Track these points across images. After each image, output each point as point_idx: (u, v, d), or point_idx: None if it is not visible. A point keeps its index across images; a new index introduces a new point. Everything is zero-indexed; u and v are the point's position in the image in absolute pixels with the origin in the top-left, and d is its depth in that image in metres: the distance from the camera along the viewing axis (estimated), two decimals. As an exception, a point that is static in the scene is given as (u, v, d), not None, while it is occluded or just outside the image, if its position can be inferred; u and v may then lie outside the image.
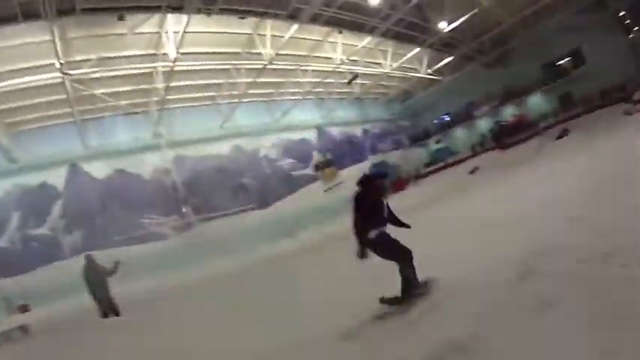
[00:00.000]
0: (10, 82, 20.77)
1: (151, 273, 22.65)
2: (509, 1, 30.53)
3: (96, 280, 10.97)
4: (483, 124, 44.13)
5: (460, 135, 47.12)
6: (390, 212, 6.65)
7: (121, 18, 18.45)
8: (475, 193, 19.86)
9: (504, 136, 37.24)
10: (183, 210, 28.65)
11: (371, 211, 6.27)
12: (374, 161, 39.87)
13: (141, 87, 26.87)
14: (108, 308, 11.08)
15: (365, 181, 6.59)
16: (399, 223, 6.77)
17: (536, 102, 40.97)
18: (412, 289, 6.17)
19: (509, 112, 41.65)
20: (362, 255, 6.20)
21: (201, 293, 15.48)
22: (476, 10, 28.03)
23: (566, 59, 38.32)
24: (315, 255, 18.32)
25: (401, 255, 6.19)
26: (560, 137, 27.62)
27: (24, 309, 20.32)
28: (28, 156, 25.43)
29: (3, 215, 24.40)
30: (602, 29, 34.31)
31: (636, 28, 33.96)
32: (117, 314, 11.12)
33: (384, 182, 7.12)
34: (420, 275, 6.26)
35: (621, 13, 34.71)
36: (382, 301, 6.20)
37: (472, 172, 31.79)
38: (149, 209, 27.96)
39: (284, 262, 19.35)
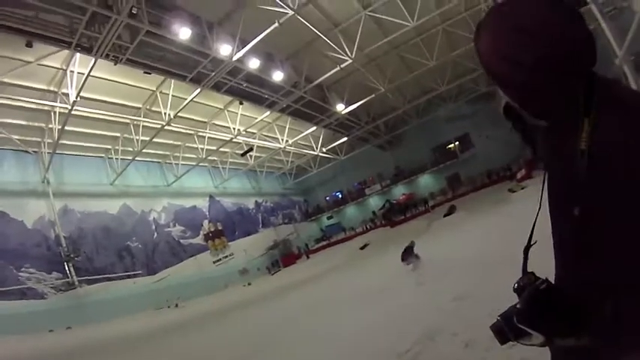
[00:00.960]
0: None
1: (25, 333, 20.84)
2: (405, 88, 32.42)
3: None
4: (374, 202, 45.54)
5: (352, 211, 48.25)
6: None
7: (29, 44, 17.60)
8: (363, 269, 20.14)
9: (394, 214, 38.60)
10: (66, 268, 26.78)
11: None
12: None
13: (36, 124, 25.30)
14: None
15: None
16: None
17: (426, 181, 43.24)
18: None
19: (399, 191, 43.40)
20: None
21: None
22: (373, 96, 29.40)
23: (455, 143, 41.09)
24: (195, 331, 17.63)
25: None
26: (447, 214, 28.94)
27: None
28: None
29: None
30: (490, 117, 37.28)
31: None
32: None
33: None
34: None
35: None
36: None
37: (363, 247, 32.36)
38: (29, 262, 25.72)
39: (164, 334, 18.51)
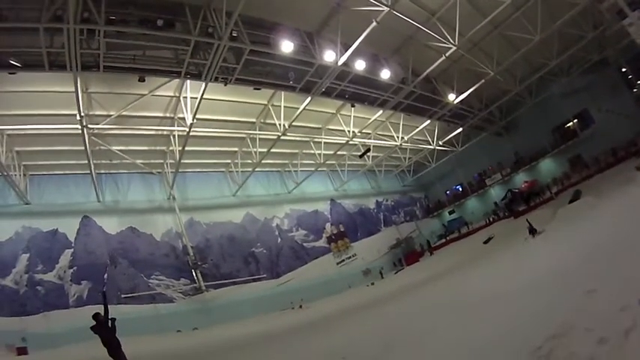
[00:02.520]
0: (31, 125, 21.10)
1: (156, 335, 22.37)
2: (514, 69, 31.09)
3: (108, 336, 10.74)
4: (496, 193, 44.05)
5: (473, 204, 47.04)
6: None
7: (141, 79, 18.94)
8: (489, 264, 19.55)
9: (517, 204, 37.14)
10: (193, 274, 28.41)
11: None
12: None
13: (157, 148, 27.31)
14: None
15: None
16: None
17: (547, 166, 41.03)
18: None
19: (520, 179, 41.64)
20: None
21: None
22: (483, 81, 28.49)
23: (574, 121, 38.61)
24: (322, 331, 17.88)
25: None
26: (572, 200, 27.33)
27: (22, 351, 19.93)
28: (42, 201, 25.37)
29: (11, 255, 24.09)
30: (607, 87, 34.80)
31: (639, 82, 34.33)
32: None
33: None
34: None
35: (623, 69, 35.16)
36: None
37: (486, 241, 31.41)
38: (158, 270, 27.71)
39: (287, 334, 19.00)
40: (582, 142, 37.96)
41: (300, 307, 29.03)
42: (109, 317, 10.69)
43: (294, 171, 35.83)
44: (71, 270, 25.15)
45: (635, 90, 35.20)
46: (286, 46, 19.66)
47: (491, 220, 40.29)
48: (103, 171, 27.07)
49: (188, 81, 20.60)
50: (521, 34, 25.98)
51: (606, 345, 4.69)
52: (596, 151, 36.00)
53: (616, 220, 13.52)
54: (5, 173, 21.91)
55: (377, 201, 45.50)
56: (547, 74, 33.30)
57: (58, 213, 25.62)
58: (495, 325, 7.95)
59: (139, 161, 26.78)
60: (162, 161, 28.58)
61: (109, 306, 10.73)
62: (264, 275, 32.29)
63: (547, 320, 6.56)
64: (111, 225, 27.16)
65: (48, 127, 21.36)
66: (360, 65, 22.93)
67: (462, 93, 29.96)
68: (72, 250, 25.55)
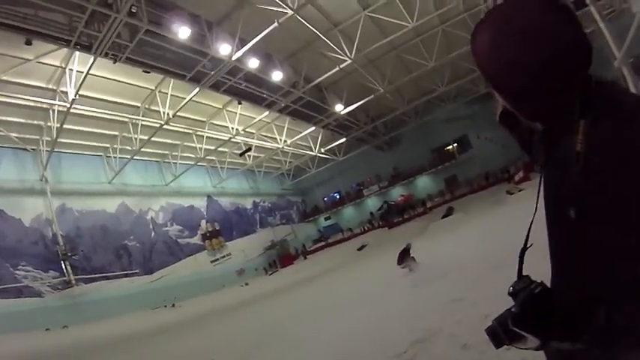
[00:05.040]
0: None
1: (23, 332, 20.79)
2: (404, 89, 32.41)
3: None
4: (372, 203, 45.55)
5: (350, 212, 48.26)
6: None
7: (28, 42, 17.53)
8: (361, 270, 20.14)
9: (392, 215, 38.62)
10: (63, 267, 26.70)
11: None
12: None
13: (34, 122, 25.20)
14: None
15: None
16: None
17: (424, 183, 43.28)
18: None
19: (397, 192, 43.42)
20: None
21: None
22: (372, 96, 29.36)
23: (454, 145, 41.15)
24: (190, 332, 17.62)
25: None
26: (445, 216, 28.90)
27: None
28: None
29: None
30: (488, 118, 37.31)
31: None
32: None
33: None
34: None
35: None
36: None
37: (360, 248, 32.34)
38: (26, 260, 25.60)
39: (160, 334, 18.51)
40: (459, 164, 40.76)
41: (173, 305, 28.22)
42: None
43: (174, 163, 34.77)
44: None
45: None
46: (183, 32, 18.98)
47: (366, 228, 41.56)
48: None
49: (77, 52, 19.37)
50: (417, 58, 27.31)
51: (470, 350, 4.91)
52: (472, 174, 38.86)
53: (484, 234, 14.47)
54: None
55: (254, 201, 45.27)
56: (434, 99, 35.33)
57: None
58: (361, 328, 8.17)
59: (13, 134, 24.68)
60: (38, 137, 26.43)
61: None
62: (137, 271, 30.90)
63: (413, 325, 6.81)
64: None
65: None
66: (253, 63, 22.77)
67: (350, 105, 30.64)
68: None
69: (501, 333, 1.37)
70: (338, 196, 50.14)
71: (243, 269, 37.54)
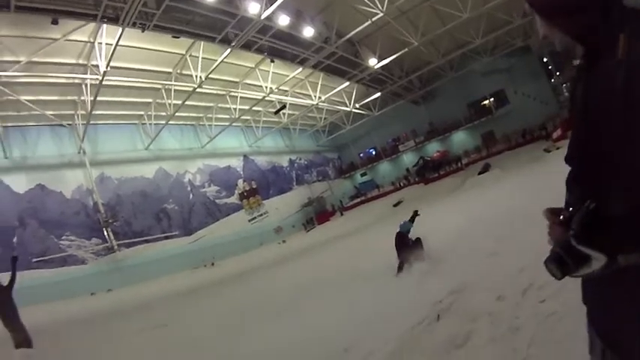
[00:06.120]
0: None
1: (70, 298, 21.59)
2: (438, 42, 31.61)
3: (4, 304, 10.16)
4: (408, 159, 45.16)
5: (385, 168, 48.02)
6: None
7: (54, 22, 17.70)
8: (397, 225, 20.12)
9: (428, 171, 38.28)
10: (105, 233, 27.49)
11: None
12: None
13: (68, 98, 25.67)
14: (21, 338, 10.27)
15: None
16: None
17: (460, 138, 42.50)
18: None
19: (433, 148, 42.87)
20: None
21: (115, 322, 14.80)
22: (406, 49, 28.75)
23: (490, 99, 40.13)
24: (236, 285, 17.97)
25: None
26: (481, 172, 28.51)
27: None
28: None
29: None
30: (526, 73, 36.40)
31: (558, 74, 36.07)
32: (29, 346, 10.29)
33: None
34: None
35: (544, 59, 36.89)
36: None
37: (396, 204, 32.25)
38: (69, 230, 26.53)
39: (206, 291, 18.93)
40: (496, 119, 39.73)
41: (213, 264, 28.86)
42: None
43: (209, 125, 35.00)
44: None
45: (552, 80, 37.15)
46: (210, -6, 18.88)
47: (402, 184, 41.35)
48: (9, 124, 25.24)
49: (104, 25, 19.45)
50: (451, 10, 26.31)
51: (504, 302, 4.89)
52: (508, 130, 37.85)
53: (520, 191, 14.26)
54: None
55: (290, 159, 45.41)
56: (470, 51, 34.23)
57: None
58: (402, 281, 8.22)
59: (48, 112, 25.17)
60: (73, 112, 26.88)
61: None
62: (177, 233, 31.70)
63: (449, 277, 6.82)
64: (19, 183, 25.31)
65: None
66: (283, 20, 22.45)
67: (384, 59, 30.04)
68: None
69: (566, 257, 1.31)
70: (374, 152, 49.85)
71: (280, 227, 37.95)
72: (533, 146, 31.24)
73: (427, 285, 7.22)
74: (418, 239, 10.29)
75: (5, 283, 9.86)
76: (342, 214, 40.82)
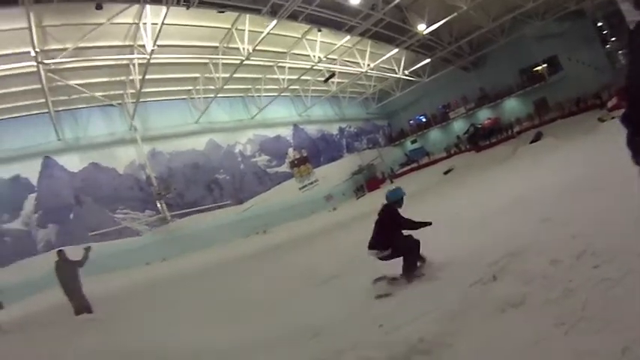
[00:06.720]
0: None
1: (126, 268, 22.51)
2: (488, 6, 30.73)
3: (68, 276, 10.77)
4: (458, 126, 44.47)
5: (436, 136, 47.49)
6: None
7: (98, 7, 18.16)
8: (450, 193, 20.04)
9: (479, 138, 37.63)
10: (158, 205, 28.39)
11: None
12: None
13: (117, 79, 26.51)
14: (81, 305, 10.87)
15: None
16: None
17: (512, 105, 41.46)
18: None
19: (484, 115, 42.03)
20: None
21: (174, 289, 15.33)
22: (455, 14, 28.14)
23: (543, 65, 38.81)
24: (284, 253, 18.31)
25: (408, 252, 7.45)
26: (534, 141, 27.85)
27: None
28: (0, 147, 24.90)
29: None
30: (580, 38, 35.03)
31: (613, 39, 34.63)
32: (89, 311, 10.89)
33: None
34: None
35: (599, 24, 35.39)
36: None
37: (447, 172, 31.99)
38: (123, 204, 27.67)
39: (255, 259, 19.33)
40: (549, 86, 38.33)
41: (265, 232, 29.39)
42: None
43: (257, 96, 35.36)
44: (36, 215, 24.86)
45: (607, 46, 35.63)
46: (253, -34, 18.93)
47: (452, 152, 40.84)
48: (61, 108, 26.14)
49: (148, 6, 19.80)
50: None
51: (558, 265, 4.92)
52: (561, 97, 36.44)
53: (574, 160, 13.96)
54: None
55: (340, 127, 45.43)
56: (521, 15, 32.92)
57: (19, 157, 24.88)
58: (458, 243, 8.29)
59: (98, 94, 26.03)
60: (122, 92, 27.71)
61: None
62: (228, 202, 32.44)
63: (504, 242, 6.86)
64: (73, 163, 26.64)
65: (1, 69, 20.43)
66: (329, -12, 22.38)
67: (433, 24, 29.52)
68: (35, 194, 25.18)
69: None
70: (424, 119, 49.23)
71: (330, 195, 38.16)
72: (587, 115, 30.13)
73: (482, 247, 7.29)
74: (414, 223, 7.70)
75: (75, 258, 10.63)
76: (392, 182, 40.66)
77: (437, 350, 3.98)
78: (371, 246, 7.71)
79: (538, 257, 5.43)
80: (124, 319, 9.97)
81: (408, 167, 43.13)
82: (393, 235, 7.54)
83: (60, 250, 11.27)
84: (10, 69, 20.52)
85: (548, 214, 7.77)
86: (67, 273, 10.79)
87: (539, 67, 39.47)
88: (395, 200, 8.01)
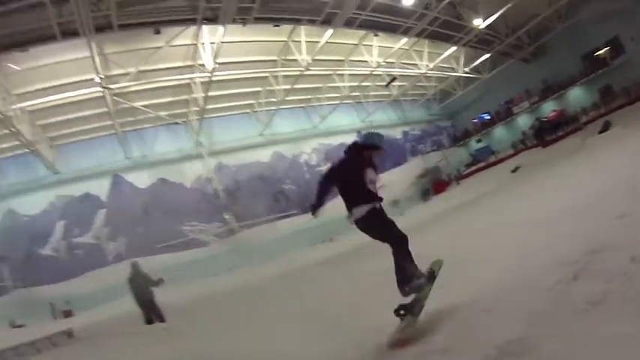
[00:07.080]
0: (52, 97, 21.64)
1: (193, 279, 23.04)
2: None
3: (140, 286, 11.20)
4: (523, 121, 43.31)
5: (500, 133, 46.43)
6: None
7: (157, 32, 18.88)
8: (519, 191, 19.54)
9: (545, 133, 36.48)
10: (225, 217, 29.03)
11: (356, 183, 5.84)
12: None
13: (180, 98, 27.51)
14: (152, 314, 11.25)
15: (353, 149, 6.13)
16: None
17: (576, 95, 39.90)
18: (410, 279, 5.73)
19: (548, 107, 40.72)
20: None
21: (243, 299, 15.56)
22: (510, 5, 27.50)
23: (605, 49, 36.95)
24: (353, 260, 18.26)
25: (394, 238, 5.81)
26: (602, 131, 26.79)
27: (68, 314, 21.10)
28: (71, 168, 26.32)
29: (48, 225, 25.34)
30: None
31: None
32: (161, 320, 11.25)
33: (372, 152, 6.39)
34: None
35: None
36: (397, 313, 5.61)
37: (514, 170, 31.21)
38: (191, 217, 28.54)
39: (323, 267, 19.37)
40: (612, 71, 36.35)
41: (331, 240, 29.42)
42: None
43: (319, 105, 35.71)
44: (106, 229, 26.10)
45: None
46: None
47: (519, 149, 39.80)
48: (128, 128, 27.59)
49: (205, 26, 20.40)
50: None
51: (639, 263, 4.72)
52: (626, 81, 34.54)
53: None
54: (32, 149, 22.50)
55: (403, 131, 45.33)
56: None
57: (88, 176, 26.67)
58: (535, 243, 8.09)
59: (162, 113, 27.12)
60: (185, 110, 28.93)
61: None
62: (295, 212, 32.73)
63: (582, 241, 6.63)
64: (141, 179, 28.01)
65: (68, 96, 21.90)
66: (380, -8, 22.38)
67: (488, 18, 29.00)
68: (105, 209, 26.40)
69: None
70: (488, 117, 48.26)
71: (396, 200, 37.86)
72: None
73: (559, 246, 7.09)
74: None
75: (153, 277, 11.25)
76: (458, 183, 40.04)
77: (525, 353, 3.89)
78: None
79: (617, 255, 5.23)
80: (196, 328, 10.20)
81: (475, 167, 42.33)
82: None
83: (134, 262, 11.75)
84: (77, 95, 21.73)
85: (625, 209, 7.45)
86: (140, 283, 11.22)
87: (600, 52, 37.59)
88: (365, 143, 6.48)
